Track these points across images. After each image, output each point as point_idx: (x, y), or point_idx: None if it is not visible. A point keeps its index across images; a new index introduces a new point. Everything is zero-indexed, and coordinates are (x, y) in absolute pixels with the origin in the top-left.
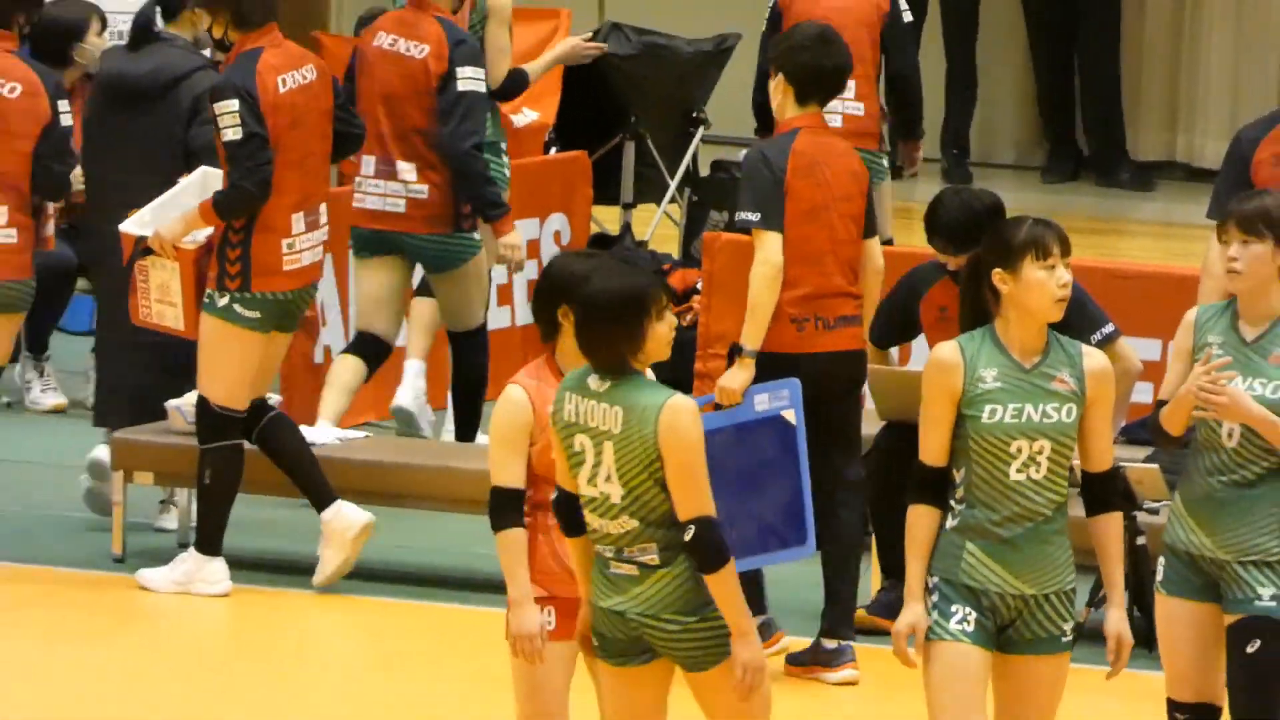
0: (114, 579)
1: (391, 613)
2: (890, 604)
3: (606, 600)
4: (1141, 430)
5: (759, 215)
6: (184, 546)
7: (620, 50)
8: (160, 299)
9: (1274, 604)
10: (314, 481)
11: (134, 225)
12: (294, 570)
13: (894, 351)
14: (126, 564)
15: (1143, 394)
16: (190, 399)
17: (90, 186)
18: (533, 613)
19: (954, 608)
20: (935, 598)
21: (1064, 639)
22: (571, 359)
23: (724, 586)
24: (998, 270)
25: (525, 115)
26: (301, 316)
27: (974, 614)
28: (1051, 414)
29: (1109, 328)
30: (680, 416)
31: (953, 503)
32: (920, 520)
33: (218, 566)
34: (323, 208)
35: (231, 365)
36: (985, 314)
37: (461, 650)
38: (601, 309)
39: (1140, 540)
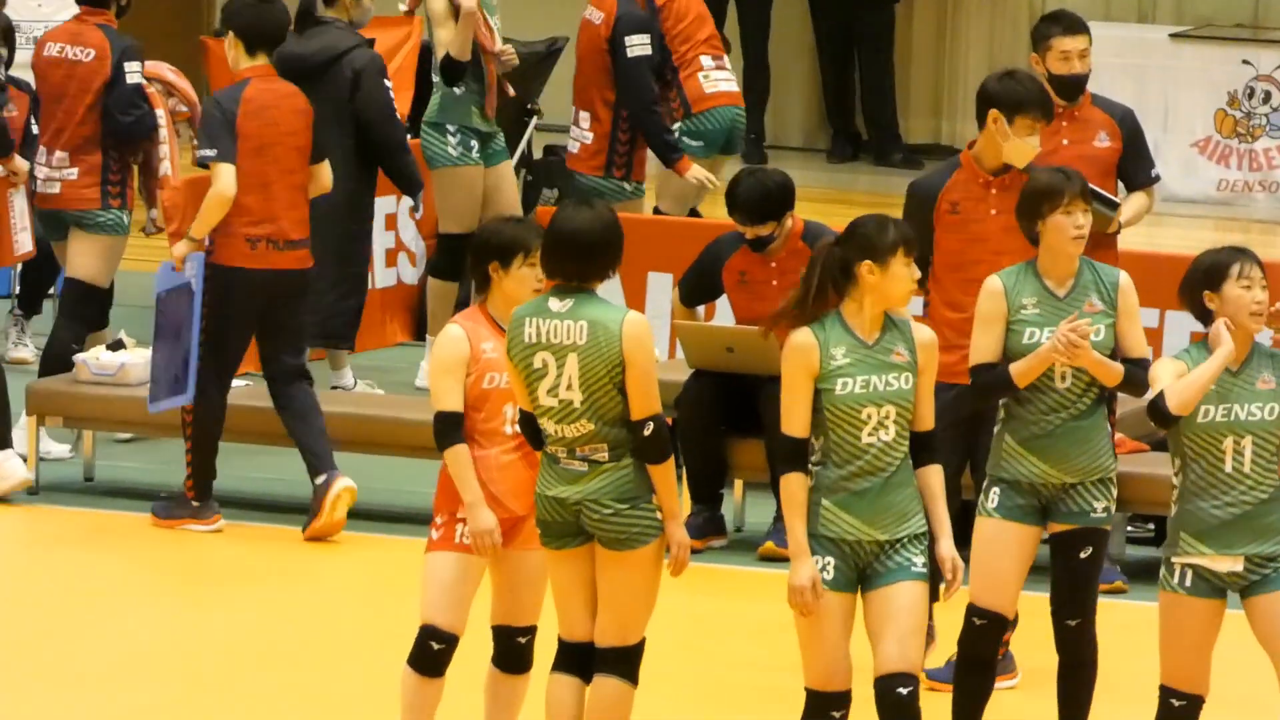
0: (33, 509)
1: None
2: (699, 526)
3: (552, 490)
4: None
5: (215, 151)
6: (90, 480)
7: None
8: None
9: (1105, 515)
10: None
11: None
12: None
13: (700, 310)
14: (40, 496)
15: None
16: (95, 353)
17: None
18: (487, 512)
19: (816, 557)
20: None
21: (914, 569)
22: (501, 308)
23: (666, 475)
24: (868, 263)
25: None
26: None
27: (834, 561)
28: (893, 383)
29: None
30: (641, 328)
31: (810, 466)
32: (794, 485)
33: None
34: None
35: None
36: (826, 298)
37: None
38: (588, 233)
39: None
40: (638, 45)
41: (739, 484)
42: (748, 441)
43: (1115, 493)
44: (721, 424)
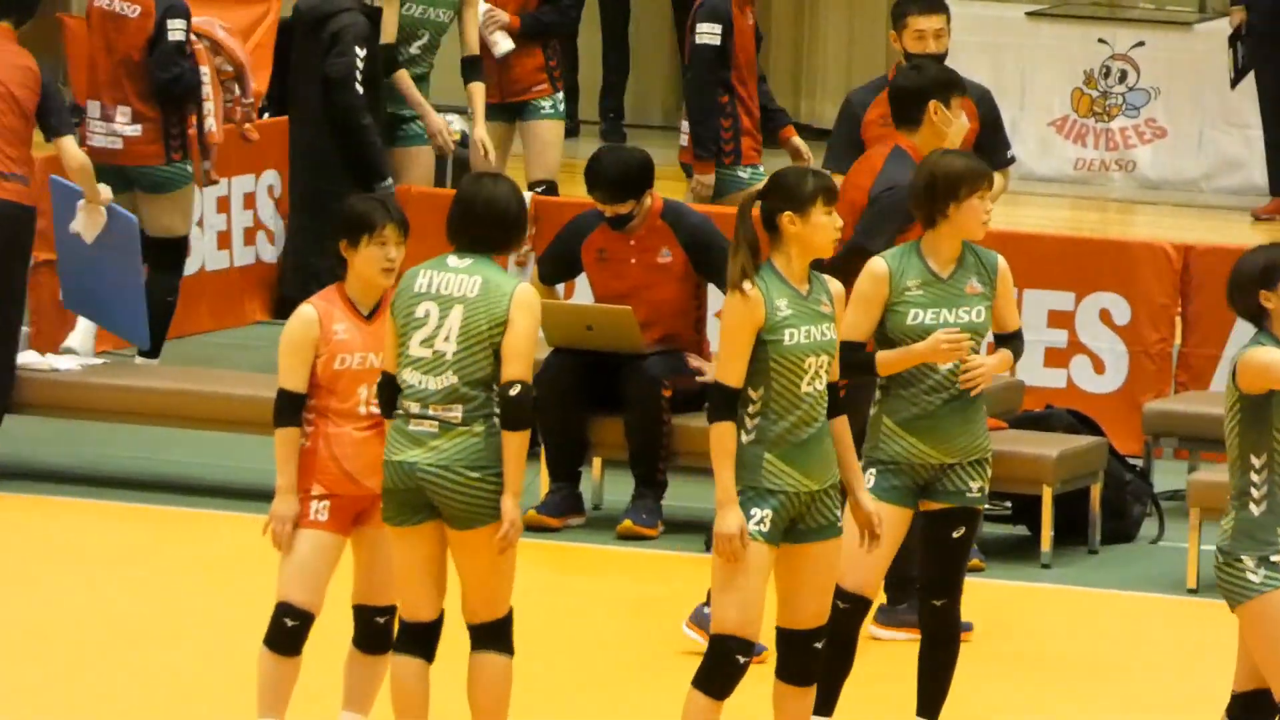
0: None
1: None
2: (558, 504)
3: (400, 454)
4: None
5: None
6: None
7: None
8: None
9: (979, 495)
10: None
11: None
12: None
13: (560, 287)
14: None
15: None
16: None
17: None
18: (292, 501)
19: (754, 510)
20: (739, 501)
21: (838, 524)
22: (358, 289)
23: (518, 446)
24: (788, 213)
25: None
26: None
27: (770, 514)
28: (826, 333)
29: None
30: (532, 296)
31: (746, 418)
32: (725, 434)
33: None
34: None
35: None
36: (757, 249)
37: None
38: (495, 204)
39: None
40: (706, 34)
41: (598, 462)
42: (607, 419)
43: (990, 473)
44: (581, 402)
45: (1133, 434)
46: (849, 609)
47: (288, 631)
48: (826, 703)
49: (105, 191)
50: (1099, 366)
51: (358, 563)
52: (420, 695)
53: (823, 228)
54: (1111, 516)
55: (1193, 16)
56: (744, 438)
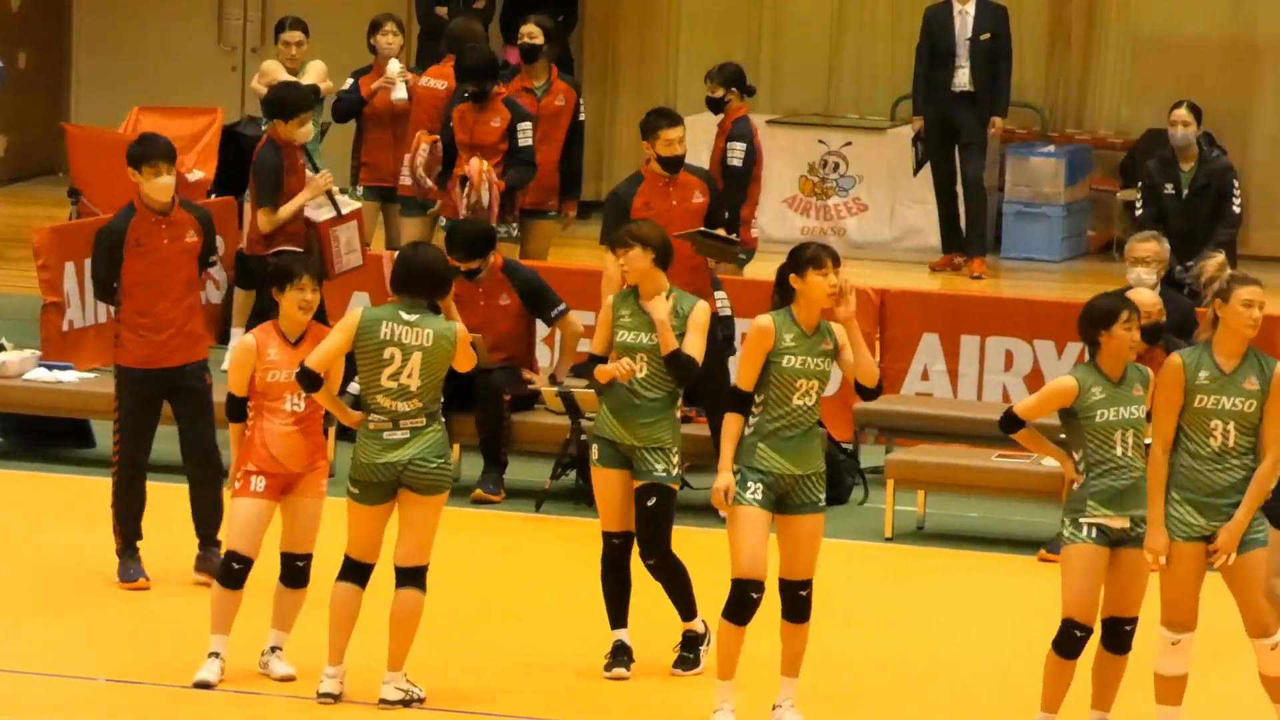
0: None
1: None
2: None
3: (380, 457)
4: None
5: None
6: None
7: (250, 133)
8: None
9: (664, 474)
10: None
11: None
12: None
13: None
14: None
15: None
16: None
17: None
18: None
19: (749, 484)
20: (738, 478)
21: (819, 504)
22: (286, 324)
23: (474, 360)
24: (792, 275)
25: (195, 174)
26: None
27: (762, 487)
28: (821, 364)
29: (562, 305)
30: (464, 333)
31: (751, 416)
32: (732, 422)
33: None
34: None
35: None
36: (788, 299)
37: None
38: (435, 265)
39: (583, 437)
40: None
41: (456, 448)
42: (463, 416)
43: (675, 459)
44: (443, 404)
45: (846, 425)
46: (620, 544)
47: (234, 572)
48: (688, 610)
49: None
50: None
51: (285, 522)
52: (352, 613)
53: (816, 286)
54: (830, 485)
55: (885, 123)
56: (746, 430)
